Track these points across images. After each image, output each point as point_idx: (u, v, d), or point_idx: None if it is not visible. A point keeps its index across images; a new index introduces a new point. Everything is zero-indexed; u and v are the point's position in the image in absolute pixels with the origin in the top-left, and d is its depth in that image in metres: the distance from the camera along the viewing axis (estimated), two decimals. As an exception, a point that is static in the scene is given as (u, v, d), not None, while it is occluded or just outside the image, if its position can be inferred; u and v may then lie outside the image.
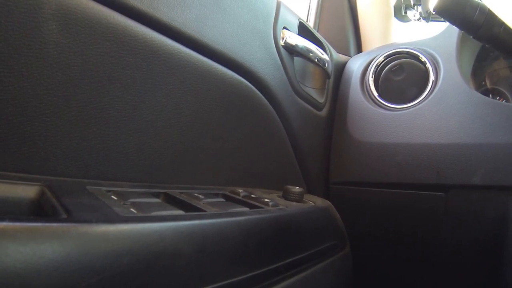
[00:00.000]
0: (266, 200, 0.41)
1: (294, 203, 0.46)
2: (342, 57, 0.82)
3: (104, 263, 0.20)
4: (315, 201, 0.52)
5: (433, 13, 0.52)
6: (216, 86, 0.43)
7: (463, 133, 0.58)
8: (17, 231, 0.18)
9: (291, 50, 0.58)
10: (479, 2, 0.48)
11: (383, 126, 0.66)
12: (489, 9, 0.48)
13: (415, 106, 0.64)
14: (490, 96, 0.70)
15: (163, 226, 0.24)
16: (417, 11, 0.89)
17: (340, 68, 0.77)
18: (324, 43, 0.72)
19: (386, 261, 0.71)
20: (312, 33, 0.68)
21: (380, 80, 0.70)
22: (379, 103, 0.68)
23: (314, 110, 0.66)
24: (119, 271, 0.21)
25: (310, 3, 0.95)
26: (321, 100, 0.69)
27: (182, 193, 0.36)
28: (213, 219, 0.29)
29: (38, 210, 0.24)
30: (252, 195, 0.44)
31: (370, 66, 0.72)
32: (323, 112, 0.70)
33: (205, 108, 0.42)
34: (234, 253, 0.29)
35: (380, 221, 0.68)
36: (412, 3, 0.89)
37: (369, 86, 0.70)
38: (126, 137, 0.34)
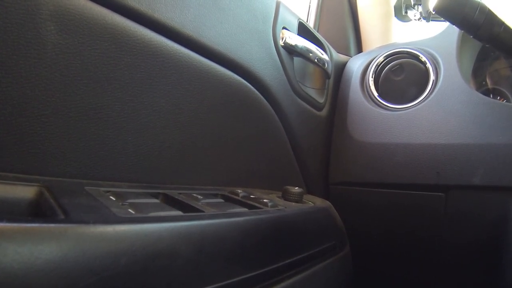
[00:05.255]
0: (265, 200, 0.41)
1: (293, 203, 0.46)
2: (342, 57, 0.82)
3: (102, 264, 0.20)
4: (314, 202, 0.52)
5: (433, 12, 0.52)
6: (215, 87, 0.43)
7: (463, 133, 0.58)
8: (15, 231, 0.18)
9: (291, 50, 0.58)
10: (479, 2, 0.48)
11: (383, 126, 0.66)
12: (489, 8, 0.48)
13: (415, 106, 0.64)
14: (491, 96, 0.70)
15: (161, 227, 0.24)
16: (417, 11, 0.89)
17: (340, 68, 0.77)
18: (324, 43, 0.72)
19: (386, 261, 0.71)
20: (312, 33, 0.68)
21: (380, 80, 0.70)
22: (379, 103, 0.68)
23: (314, 110, 0.66)
24: (117, 272, 0.21)
25: (310, 3, 0.95)
26: (321, 100, 0.69)
27: (180, 193, 0.36)
28: (212, 219, 0.29)
29: (36, 211, 0.25)
30: (251, 196, 0.44)
31: (370, 66, 0.72)
32: (323, 112, 0.70)
33: (204, 108, 0.42)
34: (232, 254, 0.29)
35: (380, 222, 0.68)
36: (412, 3, 0.89)
37: (369, 86, 0.70)
38: (124, 137, 0.34)
